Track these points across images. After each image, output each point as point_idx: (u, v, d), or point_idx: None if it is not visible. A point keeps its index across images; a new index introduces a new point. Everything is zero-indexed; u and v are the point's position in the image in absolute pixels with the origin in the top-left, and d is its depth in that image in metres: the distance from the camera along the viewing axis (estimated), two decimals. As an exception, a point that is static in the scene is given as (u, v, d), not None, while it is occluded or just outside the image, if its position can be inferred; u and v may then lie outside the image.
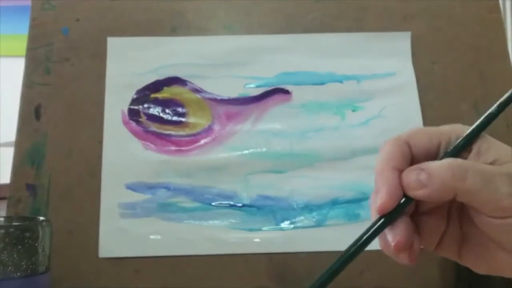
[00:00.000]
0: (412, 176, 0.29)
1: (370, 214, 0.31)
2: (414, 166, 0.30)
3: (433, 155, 0.31)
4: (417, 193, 0.29)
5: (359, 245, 0.30)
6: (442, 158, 0.30)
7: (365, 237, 0.30)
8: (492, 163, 0.29)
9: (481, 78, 0.61)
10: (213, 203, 0.56)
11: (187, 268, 0.54)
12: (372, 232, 0.30)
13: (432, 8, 0.64)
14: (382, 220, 0.30)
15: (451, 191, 0.28)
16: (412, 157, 0.31)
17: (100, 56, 0.61)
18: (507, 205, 0.28)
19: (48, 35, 0.61)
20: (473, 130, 0.31)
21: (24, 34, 0.62)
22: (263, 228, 0.55)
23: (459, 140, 0.30)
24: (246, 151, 0.58)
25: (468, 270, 0.48)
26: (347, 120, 0.59)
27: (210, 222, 0.55)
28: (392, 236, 0.30)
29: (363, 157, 0.57)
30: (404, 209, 0.30)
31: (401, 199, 0.29)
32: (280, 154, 0.57)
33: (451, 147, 0.30)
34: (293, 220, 0.55)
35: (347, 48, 0.62)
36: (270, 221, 0.55)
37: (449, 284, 0.53)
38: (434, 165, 0.29)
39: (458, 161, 0.29)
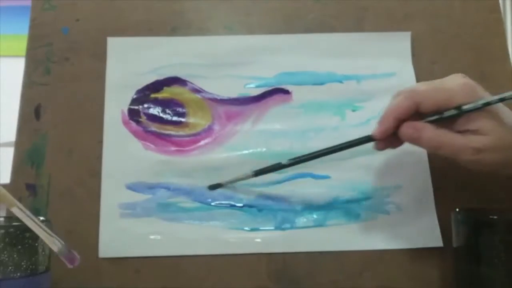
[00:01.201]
0: (406, 131, 0.46)
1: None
2: (411, 124, 0.46)
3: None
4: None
5: (348, 145, 0.49)
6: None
7: (354, 142, 0.50)
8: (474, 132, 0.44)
9: (481, 78, 0.61)
10: (213, 203, 0.56)
11: (187, 268, 0.54)
12: (358, 142, 0.50)
13: (432, 8, 0.64)
14: (369, 138, 0.49)
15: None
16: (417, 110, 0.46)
17: (100, 56, 0.61)
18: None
19: (48, 35, 0.61)
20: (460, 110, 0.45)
21: (24, 34, 0.62)
22: (263, 228, 0.55)
23: (449, 112, 0.45)
24: (246, 151, 0.58)
25: (468, 270, 0.48)
26: (347, 120, 0.59)
27: (210, 222, 0.55)
28: (374, 145, 0.49)
29: (363, 157, 0.57)
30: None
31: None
32: (280, 154, 0.57)
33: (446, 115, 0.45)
34: (293, 220, 0.55)
35: (347, 48, 0.62)
36: (270, 221, 0.55)
37: (449, 284, 0.53)
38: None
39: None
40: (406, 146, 0.50)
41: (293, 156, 0.53)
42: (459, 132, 0.46)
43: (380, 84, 0.61)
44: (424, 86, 0.47)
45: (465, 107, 0.45)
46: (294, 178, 0.57)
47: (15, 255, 0.40)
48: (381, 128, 0.47)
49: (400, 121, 0.47)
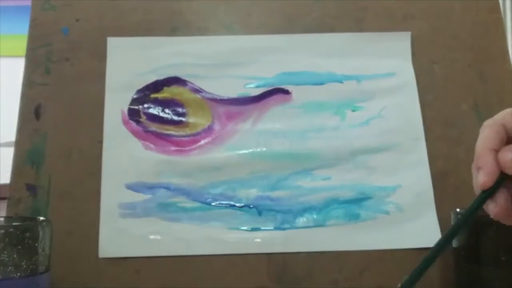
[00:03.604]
0: (506, 156, 0.34)
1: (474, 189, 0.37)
2: (508, 147, 0.35)
3: None
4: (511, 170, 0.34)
5: (469, 214, 0.36)
6: None
7: (473, 208, 0.36)
8: None
9: (481, 78, 0.61)
10: (213, 203, 0.56)
11: (187, 268, 0.54)
12: (476, 205, 0.36)
13: (432, 8, 0.64)
14: (484, 194, 0.35)
15: None
16: (508, 137, 0.36)
17: (100, 56, 0.61)
18: None
19: (48, 35, 0.61)
20: None
21: (24, 34, 0.62)
22: (263, 228, 0.55)
23: None
24: (246, 151, 0.58)
25: (468, 271, 0.48)
26: (347, 120, 0.59)
27: (210, 222, 0.55)
28: (492, 208, 0.35)
29: (363, 157, 0.57)
30: (501, 183, 0.34)
31: (498, 175, 0.34)
32: (280, 154, 0.57)
33: None
34: (293, 220, 0.55)
35: (347, 48, 0.62)
36: (270, 221, 0.55)
37: (449, 284, 0.53)
38: None
39: None
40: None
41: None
42: None
43: (380, 84, 0.61)
44: (504, 111, 0.39)
45: None
46: (294, 178, 0.57)
47: (15, 255, 0.40)
48: (484, 171, 0.36)
49: (496, 153, 0.37)
